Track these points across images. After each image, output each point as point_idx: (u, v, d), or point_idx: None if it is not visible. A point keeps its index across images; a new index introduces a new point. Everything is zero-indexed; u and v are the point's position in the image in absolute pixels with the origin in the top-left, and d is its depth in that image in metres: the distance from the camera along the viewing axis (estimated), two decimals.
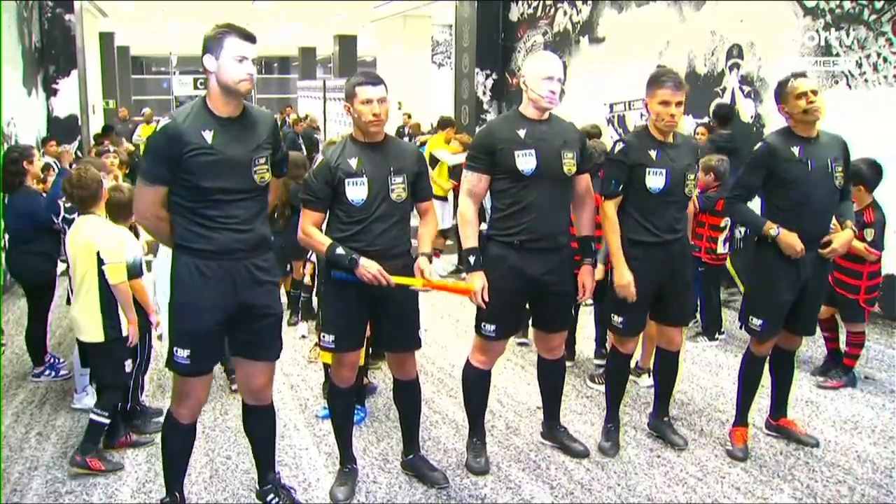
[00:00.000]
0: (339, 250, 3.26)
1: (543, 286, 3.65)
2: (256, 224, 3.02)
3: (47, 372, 5.12)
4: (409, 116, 15.62)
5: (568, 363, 5.38)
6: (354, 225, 3.31)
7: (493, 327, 3.69)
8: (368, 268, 3.23)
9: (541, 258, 3.60)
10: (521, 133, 3.55)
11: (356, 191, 3.28)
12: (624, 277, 3.75)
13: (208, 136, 2.89)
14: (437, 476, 3.69)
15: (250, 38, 2.93)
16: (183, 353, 3.01)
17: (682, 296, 3.95)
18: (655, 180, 3.70)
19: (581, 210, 3.79)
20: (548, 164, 3.53)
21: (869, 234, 4.71)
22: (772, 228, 3.75)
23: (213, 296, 2.96)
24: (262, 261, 3.07)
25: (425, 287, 3.33)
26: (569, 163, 3.58)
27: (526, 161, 3.52)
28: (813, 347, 5.64)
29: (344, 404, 3.58)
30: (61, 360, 5.24)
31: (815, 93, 3.66)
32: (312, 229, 3.34)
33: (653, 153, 3.71)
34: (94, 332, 3.85)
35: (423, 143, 8.92)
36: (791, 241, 3.71)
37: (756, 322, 3.88)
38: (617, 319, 3.92)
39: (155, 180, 2.92)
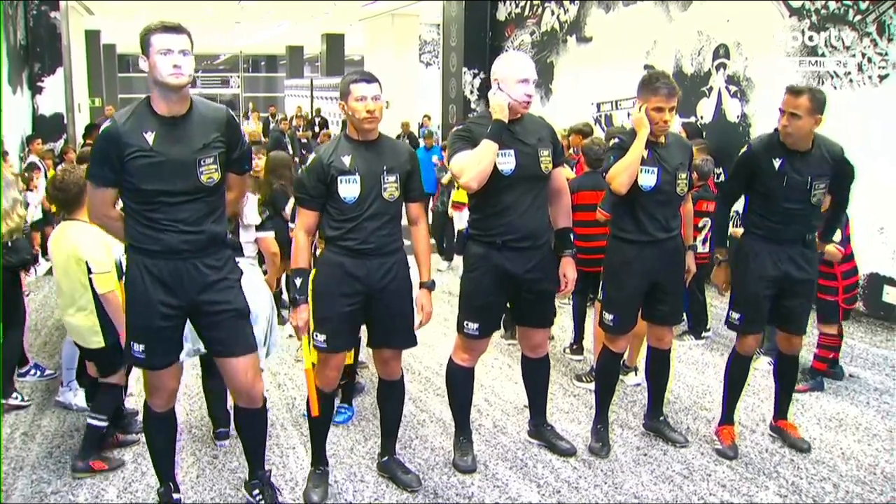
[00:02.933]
0: (298, 281, 3.30)
1: (524, 283, 3.66)
2: (206, 225, 2.99)
3: (32, 371, 5.09)
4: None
5: (577, 357, 5.46)
6: (347, 223, 3.28)
7: (475, 325, 3.69)
8: (299, 316, 3.30)
9: (522, 256, 3.61)
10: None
11: (349, 188, 3.26)
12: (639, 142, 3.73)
13: (149, 137, 2.87)
14: (409, 479, 3.67)
15: (174, 29, 2.85)
16: (138, 348, 3.05)
17: (674, 294, 3.96)
18: (647, 178, 3.72)
19: (557, 203, 3.78)
20: (526, 163, 3.54)
21: (836, 233, 4.73)
22: (719, 254, 4.03)
23: (160, 294, 2.98)
24: (215, 259, 3.05)
25: (306, 373, 3.46)
26: (545, 160, 3.59)
27: (505, 161, 3.52)
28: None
29: (326, 408, 3.56)
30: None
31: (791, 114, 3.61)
32: (303, 240, 3.32)
33: (644, 152, 3.73)
34: (95, 339, 3.82)
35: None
36: (720, 276, 4.03)
37: (735, 316, 3.93)
38: (608, 317, 3.92)
39: (99, 182, 2.93)
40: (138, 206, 2.93)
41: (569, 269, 3.76)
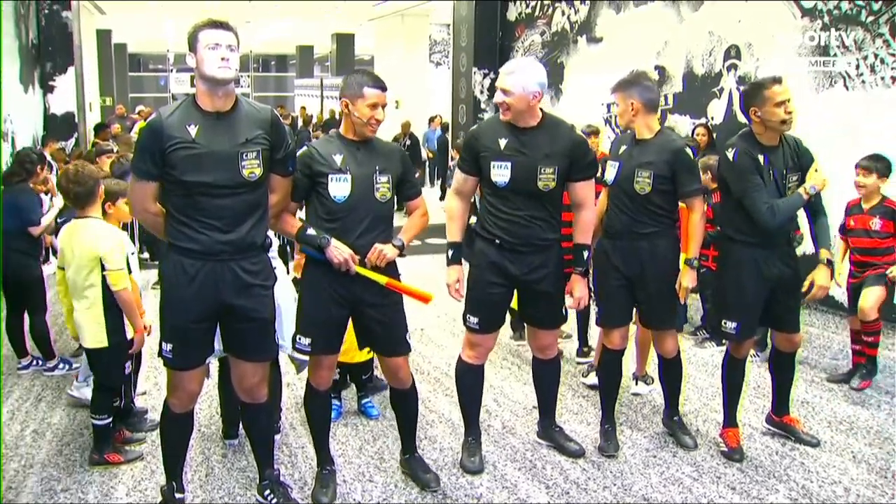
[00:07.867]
0: (311, 231, 3.24)
1: (527, 284, 3.65)
2: (245, 225, 2.99)
3: (61, 365, 5.18)
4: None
5: (586, 360, 5.41)
6: (335, 223, 3.26)
7: (475, 319, 3.71)
8: (340, 251, 3.20)
9: (520, 258, 3.60)
10: (503, 143, 3.54)
11: (338, 187, 3.24)
12: None
13: (192, 130, 2.90)
14: (428, 478, 3.66)
15: (222, 25, 2.91)
16: (167, 347, 3.06)
17: (656, 298, 3.90)
18: (609, 172, 3.87)
19: (577, 217, 3.69)
20: (522, 178, 3.51)
21: None
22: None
23: (194, 295, 2.99)
24: (251, 263, 3.06)
25: (388, 285, 3.32)
26: (546, 178, 3.50)
27: (500, 173, 3.53)
28: (809, 349, 5.66)
29: (322, 406, 3.56)
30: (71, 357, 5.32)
31: (789, 100, 3.63)
32: (284, 214, 3.29)
33: (623, 148, 3.86)
34: (98, 337, 3.78)
35: None
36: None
37: (730, 325, 3.87)
38: (596, 310, 4.00)
39: (141, 175, 2.95)
40: (179, 202, 2.95)
41: (576, 287, 3.71)
